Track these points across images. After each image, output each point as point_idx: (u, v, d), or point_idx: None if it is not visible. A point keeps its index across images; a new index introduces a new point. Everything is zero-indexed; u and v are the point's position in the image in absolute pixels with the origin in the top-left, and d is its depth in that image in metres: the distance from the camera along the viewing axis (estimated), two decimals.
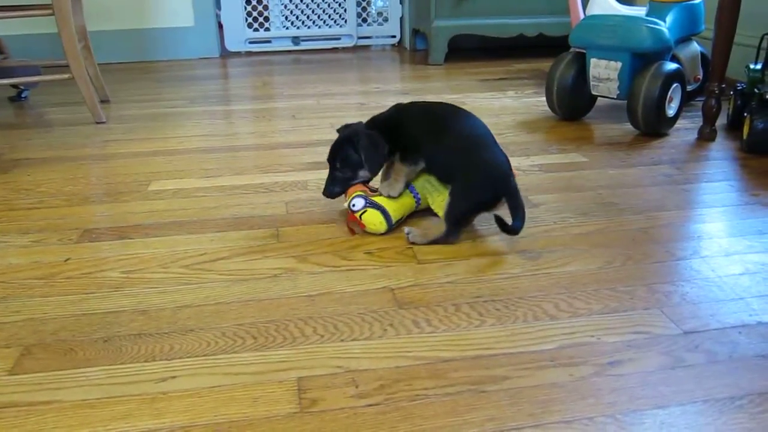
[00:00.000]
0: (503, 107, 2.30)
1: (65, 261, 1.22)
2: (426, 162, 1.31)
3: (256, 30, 3.49)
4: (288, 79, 2.86)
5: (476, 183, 1.24)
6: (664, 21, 1.95)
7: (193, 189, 1.57)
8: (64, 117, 2.27)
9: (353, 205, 1.29)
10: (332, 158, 1.33)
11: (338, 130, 1.37)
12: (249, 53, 3.48)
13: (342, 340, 0.96)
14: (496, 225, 1.22)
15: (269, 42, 3.53)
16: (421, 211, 1.38)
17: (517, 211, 1.21)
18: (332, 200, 1.47)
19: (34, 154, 1.88)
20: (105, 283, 1.13)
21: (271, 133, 2.04)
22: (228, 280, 1.14)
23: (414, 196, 1.35)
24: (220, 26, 3.44)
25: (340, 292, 1.09)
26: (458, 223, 1.25)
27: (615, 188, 1.53)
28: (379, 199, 1.30)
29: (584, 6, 2.29)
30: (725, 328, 0.98)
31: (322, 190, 1.36)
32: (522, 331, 0.98)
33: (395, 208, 1.30)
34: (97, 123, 2.17)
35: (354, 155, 1.29)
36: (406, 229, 1.29)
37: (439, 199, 1.32)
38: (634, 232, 1.31)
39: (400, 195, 1.31)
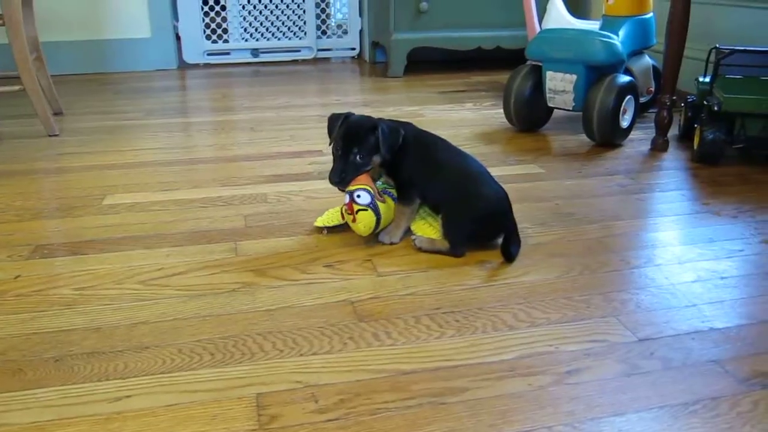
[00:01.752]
0: (462, 119, 2.32)
1: (15, 278, 1.19)
2: (421, 194, 1.31)
3: (214, 42, 3.46)
4: (247, 92, 2.84)
5: (477, 215, 1.25)
6: (617, 35, 2.00)
7: (149, 203, 1.54)
8: (15, 130, 2.22)
9: (358, 196, 1.27)
10: (351, 143, 1.27)
11: (334, 117, 1.32)
12: (207, 65, 3.45)
13: (301, 355, 0.95)
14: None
15: (228, 54, 3.51)
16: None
17: (514, 241, 1.25)
18: (292, 213, 1.46)
19: None
20: (57, 301, 1.10)
21: (229, 145, 2.02)
22: (185, 295, 1.12)
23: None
24: (178, 38, 3.40)
25: (300, 306, 1.08)
26: (460, 244, 1.25)
27: (572, 198, 1.55)
28: (381, 206, 1.29)
29: (540, 20, 2.33)
30: (679, 335, 1.00)
31: (329, 176, 1.29)
32: (481, 341, 0.98)
33: (385, 220, 1.30)
34: (50, 136, 2.12)
35: (374, 142, 1.26)
36: (413, 235, 1.29)
37: (420, 223, 1.34)
38: (590, 241, 1.33)
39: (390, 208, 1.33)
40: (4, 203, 1.55)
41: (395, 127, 1.29)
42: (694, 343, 0.98)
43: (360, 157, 1.27)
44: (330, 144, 1.31)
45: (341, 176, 1.28)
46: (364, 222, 1.26)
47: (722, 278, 1.18)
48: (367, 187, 1.28)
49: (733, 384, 0.89)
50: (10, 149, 2.00)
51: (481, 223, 1.26)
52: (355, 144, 1.26)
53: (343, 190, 1.29)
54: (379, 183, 1.36)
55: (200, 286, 1.15)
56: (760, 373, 0.91)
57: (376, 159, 1.28)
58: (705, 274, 1.19)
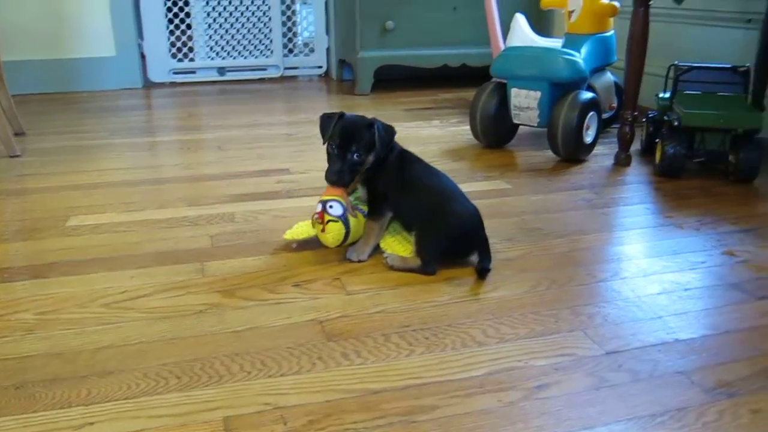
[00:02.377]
0: (429, 136, 2.34)
1: None
2: (393, 209, 1.32)
3: (180, 60, 3.44)
4: (214, 110, 2.83)
5: (450, 233, 1.26)
6: (580, 52, 2.04)
7: (113, 224, 1.52)
8: None
9: (330, 207, 1.27)
10: (348, 141, 1.26)
11: (327, 116, 1.32)
12: (173, 84, 3.42)
13: (270, 376, 0.94)
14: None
15: (194, 72, 3.49)
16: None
17: (486, 257, 1.26)
18: (259, 232, 1.45)
19: None
20: (17, 326, 1.07)
21: (196, 164, 2.00)
22: (150, 318, 1.10)
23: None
24: (143, 56, 3.38)
25: (268, 327, 1.07)
26: (432, 261, 1.25)
27: (538, 213, 1.57)
28: (352, 220, 1.29)
29: (504, 37, 2.37)
30: (646, 347, 1.01)
31: (327, 175, 1.28)
32: (451, 358, 0.98)
33: (354, 235, 1.30)
34: (11, 156, 2.08)
35: (370, 140, 1.26)
36: (385, 254, 1.29)
37: (390, 240, 1.34)
38: (557, 255, 1.34)
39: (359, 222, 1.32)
40: None
41: (389, 125, 1.30)
42: (660, 354, 0.99)
43: (357, 155, 1.27)
44: (324, 143, 1.31)
45: (339, 175, 1.27)
46: (333, 233, 1.26)
47: (686, 290, 1.20)
48: (341, 199, 1.28)
49: (699, 394, 0.90)
50: None
51: (453, 241, 1.26)
52: (353, 141, 1.26)
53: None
54: (351, 198, 1.36)
55: (166, 309, 1.13)
56: (725, 383, 0.92)
57: (371, 158, 1.28)
58: (669, 286, 1.21)
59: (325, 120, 1.31)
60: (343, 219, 1.26)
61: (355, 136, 1.26)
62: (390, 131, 1.30)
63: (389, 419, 0.85)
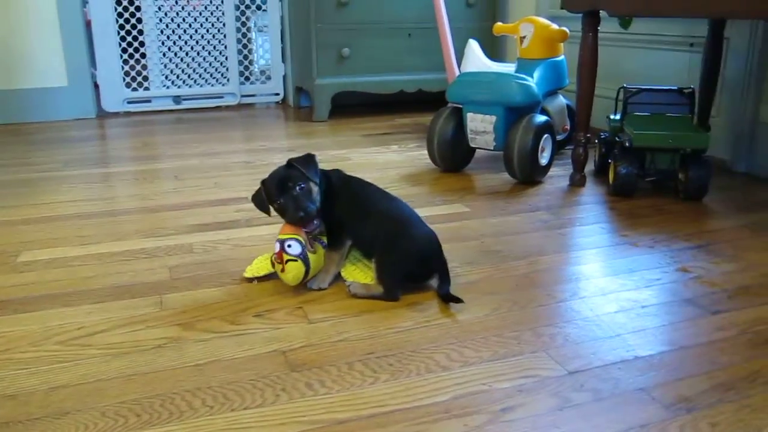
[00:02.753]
0: (388, 161, 2.35)
1: None
2: (352, 237, 1.32)
3: (134, 89, 3.40)
4: (170, 139, 2.80)
5: (410, 257, 1.26)
6: (532, 76, 2.08)
7: (68, 258, 1.48)
8: None
9: (289, 246, 1.25)
10: (284, 184, 1.27)
11: (257, 194, 1.34)
12: (128, 113, 3.38)
13: (233, 410, 0.92)
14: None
15: (149, 101, 3.45)
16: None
17: (445, 280, 1.27)
18: (219, 263, 1.43)
19: None
20: None
21: (152, 195, 1.97)
22: (108, 354, 1.07)
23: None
24: (97, 86, 3.33)
25: (230, 359, 1.05)
26: (394, 287, 1.26)
27: (497, 236, 1.59)
28: (311, 256, 1.28)
29: (459, 63, 2.41)
30: (606, 365, 1.03)
31: (293, 218, 1.27)
32: (416, 384, 0.98)
33: (314, 269, 1.29)
34: None
35: (299, 172, 1.27)
36: (347, 282, 1.28)
37: (351, 268, 1.33)
38: (517, 277, 1.36)
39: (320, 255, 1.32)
40: None
41: (304, 154, 1.32)
42: (621, 372, 1.01)
43: (300, 188, 1.27)
44: (270, 213, 1.32)
45: (302, 209, 1.26)
46: (293, 273, 1.25)
47: (643, 307, 1.22)
48: (299, 237, 1.27)
49: (660, 410, 0.91)
50: None
51: (414, 265, 1.27)
52: (288, 181, 1.27)
53: (306, 226, 1.29)
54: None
55: (124, 344, 1.10)
56: (684, 398, 0.94)
57: (314, 187, 1.28)
58: (627, 304, 1.24)
59: (256, 197, 1.34)
60: (302, 257, 1.26)
61: (286, 178, 1.28)
62: (306, 157, 1.31)
63: None
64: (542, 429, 0.88)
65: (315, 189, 1.29)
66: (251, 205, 1.75)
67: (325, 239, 1.33)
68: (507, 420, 0.89)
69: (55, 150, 2.59)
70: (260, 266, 1.35)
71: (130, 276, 1.38)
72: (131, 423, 0.89)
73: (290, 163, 1.29)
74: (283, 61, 3.62)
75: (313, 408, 0.92)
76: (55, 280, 1.36)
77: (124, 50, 3.33)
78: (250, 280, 1.34)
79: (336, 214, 1.31)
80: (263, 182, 1.32)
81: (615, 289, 1.30)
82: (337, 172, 1.37)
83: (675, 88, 1.89)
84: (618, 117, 1.99)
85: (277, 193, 1.28)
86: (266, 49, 3.63)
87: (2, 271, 1.41)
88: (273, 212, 1.32)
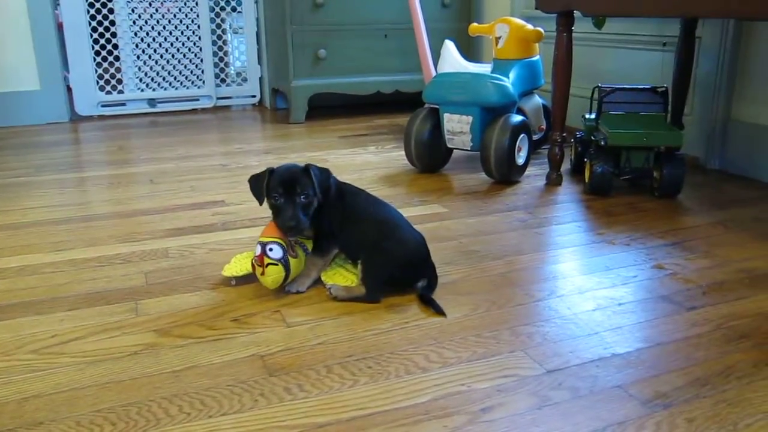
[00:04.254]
0: (365, 162, 2.35)
1: None
2: (339, 244, 1.31)
3: (108, 93, 3.36)
4: (145, 143, 2.77)
5: (396, 260, 1.25)
6: (508, 77, 2.09)
7: (40, 265, 1.46)
8: None
9: (270, 250, 1.24)
10: (292, 186, 1.24)
11: (255, 177, 1.30)
12: (102, 117, 3.34)
13: (210, 417, 0.91)
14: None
15: (124, 105, 3.41)
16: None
17: (434, 283, 1.29)
18: (195, 267, 1.42)
19: None
20: None
21: (127, 200, 1.94)
22: (82, 362, 1.05)
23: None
24: (69, 89, 3.28)
25: (207, 365, 1.04)
26: (377, 289, 1.25)
27: (475, 236, 1.59)
28: (292, 261, 1.27)
29: (435, 64, 2.41)
30: (584, 363, 1.03)
31: (283, 224, 1.24)
32: (395, 386, 0.98)
33: (294, 274, 1.29)
34: None
35: (310, 183, 1.25)
36: (327, 284, 1.28)
37: (331, 272, 1.33)
38: (495, 277, 1.36)
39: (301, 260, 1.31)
40: None
41: (323, 167, 1.30)
42: (598, 370, 1.01)
43: (305, 197, 1.25)
44: (261, 203, 1.29)
45: (296, 220, 1.24)
46: (273, 277, 1.24)
47: (620, 304, 1.23)
48: (280, 241, 1.26)
49: (637, 407, 0.92)
50: None
51: (401, 269, 1.26)
52: (296, 185, 1.25)
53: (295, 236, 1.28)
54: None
55: (99, 351, 1.09)
56: (661, 394, 0.95)
57: (314, 200, 1.27)
58: (604, 301, 1.25)
59: (256, 180, 1.30)
60: (283, 261, 1.25)
61: (297, 181, 1.25)
62: (326, 173, 1.29)
63: None
64: (522, 428, 0.88)
65: (314, 204, 1.27)
66: (228, 209, 1.73)
67: (308, 244, 1.33)
68: (487, 420, 0.89)
69: (28, 155, 2.55)
70: (239, 266, 1.33)
71: (104, 282, 1.36)
72: (107, 431, 0.88)
73: (307, 168, 1.26)
74: (260, 63, 3.60)
75: (291, 413, 0.92)
76: (27, 288, 1.34)
77: (98, 53, 3.29)
78: (229, 279, 1.33)
79: (325, 222, 1.30)
80: (271, 171, 1.27)
81: (592, 287, 1.31)
82: (331, 174, 1.35)
83: (649, 87, 1.91)
84: (593, 116, 2.01)
85: (281, 190, 1.25)
86: (242, 51, 3.61)
87: None
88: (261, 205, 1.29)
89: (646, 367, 1.02)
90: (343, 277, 1.31)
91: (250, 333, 1.14)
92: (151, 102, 3.46)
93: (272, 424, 0.89)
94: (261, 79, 3.64)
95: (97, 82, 3.32)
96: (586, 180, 1.92)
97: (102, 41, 3.29)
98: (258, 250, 1.25)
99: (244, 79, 3.64)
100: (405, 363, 1.04)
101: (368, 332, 1.14)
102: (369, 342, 1.10)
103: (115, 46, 3.33)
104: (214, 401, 0.94)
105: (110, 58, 3.34)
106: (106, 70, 3.36)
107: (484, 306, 1.23)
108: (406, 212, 1.74)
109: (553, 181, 2.02)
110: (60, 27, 3.20)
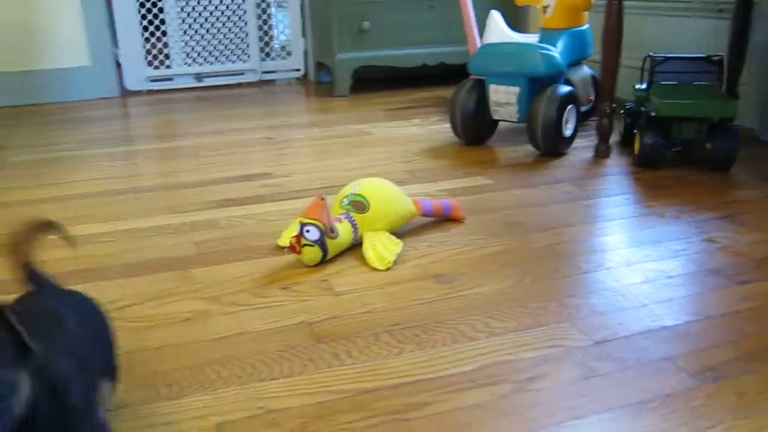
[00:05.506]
0: (410, 135, 2.34)
1: None
2: None
3: (156, 68, 3.41)
4: (192, 117, 2.81)
5: None
6: (556, 46, 2.05)
7: (94, 234, 1.50)
8: None
9: (308, 231, 1.26)
10: None
11: None
12: (150, 92, 3.40)
13: (261, 380, 0.94)
14: (409, 251, 1.23)
15: (171, 80, 3.46)
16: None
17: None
18: (245, 237, 1.45)
19: None
20: None
21: (176, 172, 1.99)
22: (138, 327, 1.09)
23: (353, 239, 1.35)
24: (119, 65, 3.35)
25: (257, 331, 1.07)
26: None
27: (521, 208, 1.58)
28: (331, 242, 1.29)
29: (480, 35, 2.38)
30: (632, 335, 1.03)
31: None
32: (441, 355, 0.99)
33: (332, 252, 1.30)
34: None
35: None
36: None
37: (371, 243, 1.33)
38: (541, 249, 1.35)
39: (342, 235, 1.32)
40: None
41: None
42: (646, 342, 1.01)
43: None
44: None
45: None
46: (309, 256, 1.28)
47: (669, 277, 1.21)
48: (318, 223, 1.28)
49: (685, 379, 0.91)
50: None
51: None
52: None
53: None
54: (346, 201, 1.37)
55: (153, 317, 1.12)
56: (710, 367, 0.94)
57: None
58: (653, 274, 1.23)
59: None
60: (319, 243, 1.27)
61: None
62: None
63: (382, 418, 0.85)
64: (568, 398, 0.88)
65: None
66: (275, 180, 1.76)
67: (355, 216, 1.34)
68: (533, 389, 0.90)
69: (78, 129, 2.62)
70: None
71: (156, 251, 1.40)
72: (163, 393, 0.91)
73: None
74: (304, 36, 3.61)
75: (339, 378, 0.94)
76: (83, 256, 1.39)
77: (145, 28, 3.34)
78: (283, 248, 1.36)
79: None
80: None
81: (640, 260, 1.29)
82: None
83: (703, 55, 1.85)
84: (644, 86, 1.96)
85: None
86: (286, 25, 3.62)
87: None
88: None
89: (695, 339, 1.01)
90: (384, 247, 1.32)
91: (299, 301, 1.16)
92: (198, 77, 3.51)
93: (321, 388, 0.91)
94: (305, 52, 3.64)
95: (146, 57, 3.38)
96: (636, 152, 1.88)
97: (150, 16, 3.33)
98: (297, 230, 1.28)
99: (289, 53, 3.65)
100: (451, 332, 1.05)
101: (413, 302, 1.15)
102: (415, 311, 1.11)
103: (163, 21, 3.38)
104: (264, 366, 0.97)
105: (158, 33, 3.39)
106: (153, 45, 3.41)
107: (530, 277, 1.23)
108: (451, 184, 1.74)
109: (601, 153, 1.99)
110: (109, 3, 3.26)
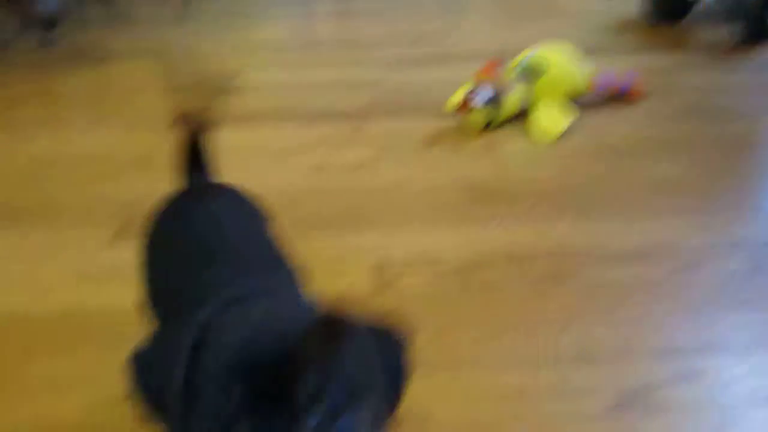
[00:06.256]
0: (595, 11, 2.16)
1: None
2: None
3: None
4: None
5: None
6: None
7: (275, 84, 1.57)
8: (144, 10, 2.28)
9: (477, 95, 1.26)
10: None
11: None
12: None
13: (422, 228, 0.98)
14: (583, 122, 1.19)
15: None
16: None
17: None
18: (418, 95, 1.45)
19: (121, 46, 1.92)
20: None
21: (355, 28, 2.00)
22: (309, 170, 1.16)
23: (521, 106, 1.33)
24: None
25: (419, 185, 1.10)
26: None
27: (715, 92, 1.44)
28: (492, 111, 1.27)
29: None
30: None
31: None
32: (602, 228, 0.97)
33: (501, 117, 1.29)
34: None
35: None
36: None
37: (537, 120, 1.30)
38: (730, 137, 1.24)
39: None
40: (145, 82, 1.63)
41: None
42: None
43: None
44: None
45: None
46: (474, 122, 1.27)
47: None
48: (491, 83, 1.26)
49: None
50: (143, 30, 2.06)
51: None
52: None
53: None
54: (519, 68, 1.34)
55: (326, 161, 1.19)
56: None
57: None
58: None
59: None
60: (490, 104, 1.25)
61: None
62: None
63: (536, 278, 0.87)
64: (730, 289, 0.84)
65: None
66: (451, 41, 1.68)
67: (526, 83, 1.30)
68: (694, 274, 0.87)
69: None
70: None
71: (333, 101, 1.45)
72: (332, 225, 0.99)
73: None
74: None
75: (497, 237, 0.95)
76: (266, 102, 1.47)
77: None
78: (453, 109, 1.35)
79: None
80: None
81: None
82: None
83: None
84: None
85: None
86: None
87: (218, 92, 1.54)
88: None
89: None
90: (554, 116, 1.28)
91: (461, 162, 1.18)
92: None
93: (477, 242, 0.94)
94: None
95: None
96: None
97: None
98: (463, 95, 1.26)
99: None
100: (615, 206, 1.02)
101: (580, 174, 1.12)
102: (579, 182, 1.10)
103: None
104: (425, 216, 1.01)
105: None
106: None
107: (714, 165, 1.14)
108: (638, 62, 1.60)
109: None
110: None
